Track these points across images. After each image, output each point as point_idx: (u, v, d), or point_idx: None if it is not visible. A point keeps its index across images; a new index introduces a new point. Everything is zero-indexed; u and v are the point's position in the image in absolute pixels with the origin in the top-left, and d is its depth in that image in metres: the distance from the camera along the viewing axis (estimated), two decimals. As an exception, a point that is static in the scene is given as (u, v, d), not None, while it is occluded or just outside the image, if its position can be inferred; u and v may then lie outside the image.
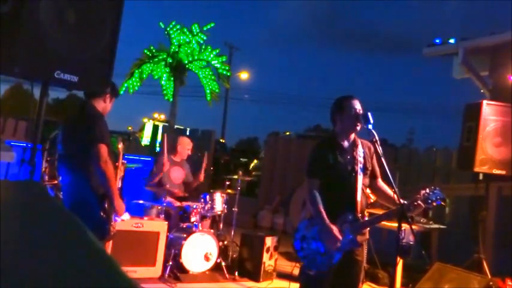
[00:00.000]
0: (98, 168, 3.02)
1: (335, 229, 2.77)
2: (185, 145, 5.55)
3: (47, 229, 0.90)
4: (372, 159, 3.00)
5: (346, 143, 2.94)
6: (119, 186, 4.09)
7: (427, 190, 2.81)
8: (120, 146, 3.94)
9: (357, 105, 2.88)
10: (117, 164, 3.78)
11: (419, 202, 2.76)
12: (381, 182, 3.06)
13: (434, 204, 2.82)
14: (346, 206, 2.84)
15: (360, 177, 2.88)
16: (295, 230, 2.96)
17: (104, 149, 3.03)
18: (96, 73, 2.56)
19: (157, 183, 5.27)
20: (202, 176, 5.50)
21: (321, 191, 2.85)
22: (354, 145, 2.94)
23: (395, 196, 2.75)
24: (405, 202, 2.75)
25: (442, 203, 2.92)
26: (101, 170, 3.01)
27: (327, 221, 2.77)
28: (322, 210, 2.79)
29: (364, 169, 2.92)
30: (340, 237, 2.76)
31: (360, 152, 2.92)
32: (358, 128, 2.89)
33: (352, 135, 2.96)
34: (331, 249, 2.78)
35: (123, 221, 3.34)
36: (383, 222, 4.88)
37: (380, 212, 5.16)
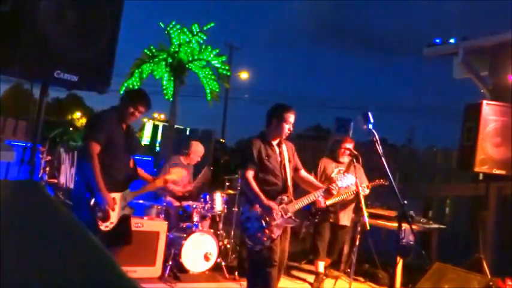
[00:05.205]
0: (85, 163, 3.20)
1: (272, 203, 3.30)
2: (198, 152, 5.53)
3: (47, 229, 0.90)
4: (294, 155, 3.66)
5: (275, 141, 3.55)
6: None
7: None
8: None
9: (292, 119, 3.46)
10: None
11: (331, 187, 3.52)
12: (303, 173, 3.75)
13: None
14: (280, 190, 3.41)
15: (288, 168, 3.49)
16: (241, 214, 3.43)
17: (94, 146, 3.17)
18: (96, 73, 2.57)
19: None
20: (192, 186, 5.52)
21: (260, 179, 3.37)
22: (280, 143, 3.57)
23: (318, 183, 3.75)
24: (405, 202, 2.77)
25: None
26: (87, 165, 3.17)
27: (264, 198, 3.29)
28: (259, 191, 3.30)
29: (289, 162, 3.52)
30: (277, 207, 3.30)
31: (284, 149, 3.55)
32: (285, 137, 3.52)
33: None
34: (274, 220, 3.26)
35: (107, 227, 3.28)
36: (383, 222, 4.93)
37: (381, 211, 5.19)
